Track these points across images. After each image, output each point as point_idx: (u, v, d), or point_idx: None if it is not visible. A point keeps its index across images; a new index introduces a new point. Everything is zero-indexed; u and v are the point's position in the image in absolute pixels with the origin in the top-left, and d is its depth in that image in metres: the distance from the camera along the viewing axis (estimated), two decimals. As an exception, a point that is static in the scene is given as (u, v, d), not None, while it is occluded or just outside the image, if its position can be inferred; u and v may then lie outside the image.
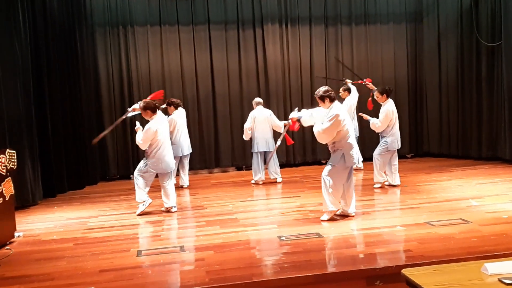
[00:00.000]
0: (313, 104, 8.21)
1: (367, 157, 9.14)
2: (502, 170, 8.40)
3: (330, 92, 5.50)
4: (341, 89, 8.96)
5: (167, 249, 4.81)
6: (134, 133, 6.75)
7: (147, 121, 6.32)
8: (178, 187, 8.24)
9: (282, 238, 4.95)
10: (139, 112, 6.57)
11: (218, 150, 10.33)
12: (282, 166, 8.92)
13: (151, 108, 6.29)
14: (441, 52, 10.51)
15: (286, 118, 8.54)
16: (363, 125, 9.58)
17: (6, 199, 5.20)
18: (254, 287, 3.77)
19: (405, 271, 2.36)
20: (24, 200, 7.07)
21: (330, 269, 4.08)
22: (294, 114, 5.85)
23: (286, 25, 10.44)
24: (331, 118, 5.35)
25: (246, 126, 8.26)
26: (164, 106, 7.81)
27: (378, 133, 7.37)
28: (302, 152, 10.52)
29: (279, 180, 8.35)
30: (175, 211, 6.45)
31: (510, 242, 4.44)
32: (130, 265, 4.40)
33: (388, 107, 7.15)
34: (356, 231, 5.18)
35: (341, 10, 10.57)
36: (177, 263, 4.42)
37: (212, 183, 8.86)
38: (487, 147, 9.60)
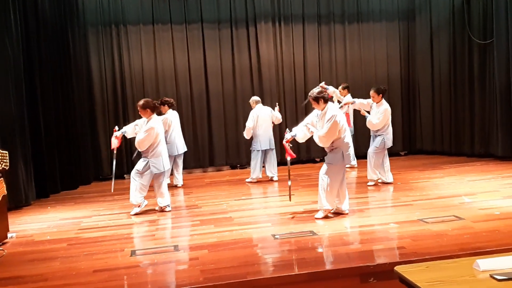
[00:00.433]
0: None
1: (361, 155, 9.18)
2: (494, 167, 8.46)
3: (324, 94, 5.51)
4: (340, 88, 8.98)
5: (161, 248, 4.80)
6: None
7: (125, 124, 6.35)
8: (172, 186, 8.23)
9: (276, 237, 4.96)
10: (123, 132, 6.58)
11: (212, 149, 10.33)
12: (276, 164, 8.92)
13: (151, 108, 6.27)
14: (433, 50, 10.56)
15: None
16: (357, 124, 9.63)
17: (-1, 199, 5.18)
18: (249, 285, 3.78)
19: (398, 268, 2.37)
20: (17, 201, 7.03)
21: (324, 266, 4.09)
22: (287, 136, 5.68)
23: (279, 23, 10.44)
24: (329, 119, 5.36)
25: (249, 125, 8.21)
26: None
27: (375, 132, 7.36)
28: (296, 151, 10.52)
29: (275, 178, 8.37)
30: (169, 210, 6.44)
31: (502, 238, 4.48)
32: (124, 265, 4.39)
33: (386, 107, 7.20)
34: (349, 229, 5.20)
35: (334, 9, 10.59)
36: (172, 262, 4.42)
37: (206, 182, 8.86)
38: (479, 144, 9.66)
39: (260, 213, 6.18)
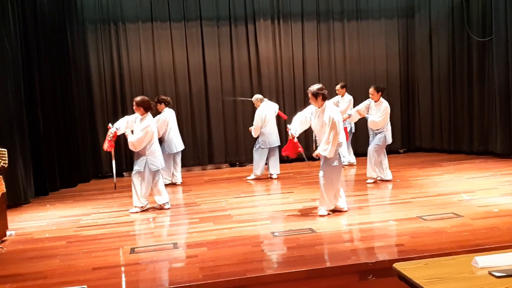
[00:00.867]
0: (305, 99, 8.23)
1: (360, 153, 9.18)
2: (493, 164, 8.47)
3: (324, 91, 5.50)
4: (338, 86, 8.96)
5: (160, 246, 4.81)
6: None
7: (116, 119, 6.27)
8: (171, 184, 8.23)
9: (275, 234, 4.97)
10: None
11: (211, 147, 10.32)
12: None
13: (146, 107, 6.26)
14: (432, 47, 10.55)
15: (278, 115, 8.57)
16: (356, 122, 9.61)
17: (-2, 197, 5.18)
18: (248, 283, 3.78)
19: (396, 265, 2.38)
20: (16, 199, 7.03)
21: (323, 264, 4.09)
22: (292, 132, 5.70)
23: (278, 21, 10.43)
24: (333, 123, 5.35)
25: (258, 124, 8.13)
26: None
27: (375, 130, 7.34)
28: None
29: (274, 176, 8.37)
30: (169, 208, 6.44)
31: (501, 235, 4.49)
32: (123, 262, 4.40)
33: (386, 104, 7.22)
34: (349, 226, 5.21)
35: (333, 6, 10.58)
36: (171, 260, 4.42)
37: (205, 180, 8.86)
38: (478, 141, 9.67)
39: (259, 211, 6.18)
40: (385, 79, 10.70)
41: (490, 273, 2.19)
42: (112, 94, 9.89)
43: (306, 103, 7.94)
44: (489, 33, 9.21)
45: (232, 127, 10.31)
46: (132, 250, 4.70)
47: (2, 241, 5.25)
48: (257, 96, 8.44)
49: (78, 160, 9.00)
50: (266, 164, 8.42)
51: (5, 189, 5.37)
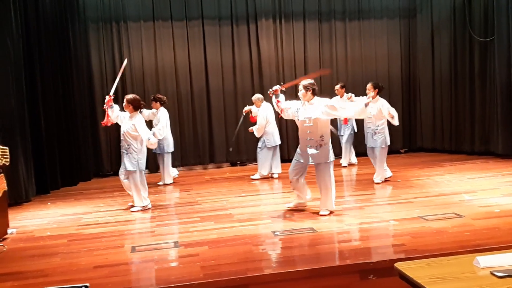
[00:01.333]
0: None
1: (362, 153, 9.16)
2: (494, 165, 8.46)
3: (315, 86, 5.56)
4: (337, 86, 8.95)
5: (161, 244, 4.81)
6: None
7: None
8: (163, 185, 8.28)
9: (276, 233, 4.97)
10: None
11: (212, 146, 10.32)
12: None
13: (136, 106, 6.30)
14: (434, 48, 10.55)
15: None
16: (359, 122, 9.60)
17: (-1, 195, 5.18)
18: (249, 282, 3.78)
19: (398, 265, 2.38)
20: (17, 197, 7.03)
21: (324, 263, 4.09)
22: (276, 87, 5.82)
23: (280, 20, 10.42)
24: (331, 106, 5.43)
25: (262, 123, 8.12)
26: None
27: (374, 129, 7.32)
28: (295, 147, 10.51)
29: (275, 176, 8.37)
30: (138, 211, 6.31)
31: (502, 235, 4.48)
32: (124, 261, 4.40)
33: (383, 102, 7.22)
34: (350, 226, 5.20)
35: (335, 6, 10.57)
36: (172, 258, 4.43)
37: (206, 179, 8.86)
38: (479, 141, 9.66)
39: (260, 210, 6.18)
40: (387, 79, 10.69)
41: (492, 273, 2.19)
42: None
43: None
44: (491, 33, 9.20)
45: (233, 126, 10.27)
46: (133, 249, 4.70)
47: (4, 239, 5.26)
48: (258, 96, 8.43)
49: (79, 158, 9.00)
50: None
51: (6, 187, 5.37)
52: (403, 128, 10.96)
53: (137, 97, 6.43)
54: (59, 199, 7.50)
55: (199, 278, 3.79)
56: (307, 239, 4.72)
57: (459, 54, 9.98)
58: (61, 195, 7.90)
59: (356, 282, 3.93)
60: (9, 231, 5.46)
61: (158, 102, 8.06)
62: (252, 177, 8.41)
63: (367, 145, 7.53)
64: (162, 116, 7.93)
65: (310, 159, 5.51)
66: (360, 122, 8.51)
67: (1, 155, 5.27)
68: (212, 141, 10.31)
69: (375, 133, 7.30)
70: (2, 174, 5.27)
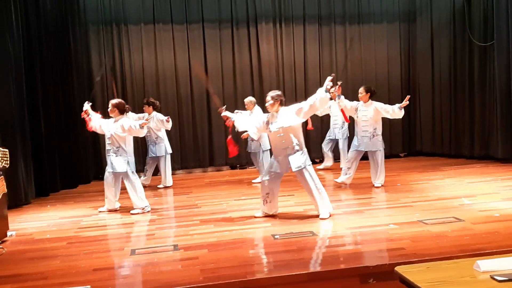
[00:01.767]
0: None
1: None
2: (494, 169, 8.47)
3: (282, 97, 5.65)
4: (332, 89, 8.91)
5: (160, 247, 4.80)
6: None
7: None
8: (163, 187, 8.29)
9: (276, 237, 4.96)
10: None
11: (212, 149, 10.33)
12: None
13: (121, 110, 6.34)
14: (434, 52, 10.57)
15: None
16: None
17: (-1, 198, 5.18)
18: (248, 285, 3.78)
19: (398, 269, 2.38)
20: (17, 199, 7.03)
21: (324, 267, 4.09)
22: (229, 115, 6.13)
23: (280, 24, 10.46)
24: (298, 107, 5.50)
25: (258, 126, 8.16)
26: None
27: (373, 132, 7.30)
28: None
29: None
30: (106, 211, 6.46)
31: (502, 240, 4.48)
32: (124, 264, 4.39)
33: (376, 105, 7.20)
34: (349, 230, 5.19)
35: (335, 9, 10.61)
36: (171, 261, 4.41)
37: (206, 182, 8.86)
38: (479, 146, 9.67)
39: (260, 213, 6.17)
40: (386, 83, 10.72)
41: (492, 277, 2.19)
42: (113, 96, 9.87)
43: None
44: (491, 38, 9.22)
45: (233, 129, 10.30)
46: (133, 252, 4.70)
47: (3, 242, 5.25)
48: (251, 99, 8.38)
49: (78, 161, 9.00)
50: None
51: (6, 190, 5.37)
52: (402, 132, 10.98)
53: (122, 101, 6.52)
54: (59, 202, 7.49)
55: (199, 281, 3.79)
56: (307, 243, 4.71)
57: (459, 58, 10.00)
58: (60, 197, 7.90)
59: (356, 286, 3.92)
60: (8, 233, 5.45)
61: (151, 106, 8.06)
62: (254, 180, 8.41)
63: (364, 150, 7.32)
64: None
65: (290, 165, 5.51)
66: (350, 127, 8.50)
67: (1, 157, 5.27)
68: (211, 144, 10.32)
69: (373, 136, 7.26)
70: (1, 176, 5.27)
